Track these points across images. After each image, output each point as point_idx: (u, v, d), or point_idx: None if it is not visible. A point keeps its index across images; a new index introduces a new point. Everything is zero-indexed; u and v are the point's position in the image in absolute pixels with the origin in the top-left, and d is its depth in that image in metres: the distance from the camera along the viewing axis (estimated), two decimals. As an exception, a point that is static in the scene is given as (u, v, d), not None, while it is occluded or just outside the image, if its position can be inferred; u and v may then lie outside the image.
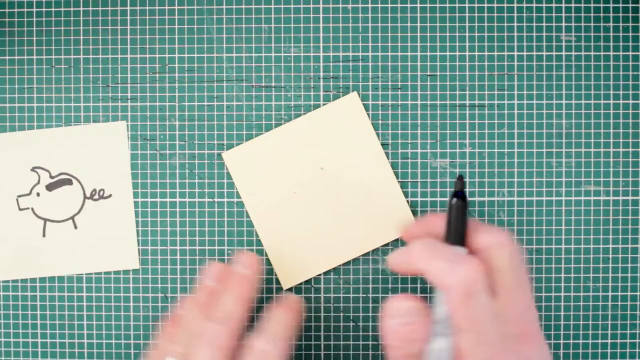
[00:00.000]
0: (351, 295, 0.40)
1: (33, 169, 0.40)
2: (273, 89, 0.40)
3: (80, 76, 0.41)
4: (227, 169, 0.40)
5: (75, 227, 0.40)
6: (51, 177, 0.41)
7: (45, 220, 0.41)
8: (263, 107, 0.40)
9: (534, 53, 0.40)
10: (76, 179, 0.41)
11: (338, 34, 0.40)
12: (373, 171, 0.40)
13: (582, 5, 0.40)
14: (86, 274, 0.41)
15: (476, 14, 0.40)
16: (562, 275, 0.40)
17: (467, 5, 0.40)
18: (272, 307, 0.37)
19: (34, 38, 0.40)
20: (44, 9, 0.40)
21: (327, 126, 0.40)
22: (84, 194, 0.40)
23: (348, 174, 0.40)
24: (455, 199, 0.34)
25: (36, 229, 0.40)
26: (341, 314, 0.41)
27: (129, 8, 0.40)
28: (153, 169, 0.41)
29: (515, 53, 0.40)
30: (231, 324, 0.36)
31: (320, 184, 0.40)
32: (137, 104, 0.40)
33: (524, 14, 0.40)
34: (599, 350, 0.40)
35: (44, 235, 0.40)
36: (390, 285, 0.41)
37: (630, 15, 0.40)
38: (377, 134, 0.40)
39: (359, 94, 0.40)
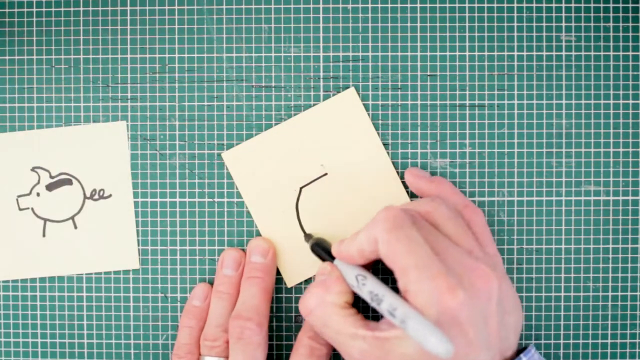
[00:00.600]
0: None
1: (33, 169, 0.40)
2: (273, 89, 0.40)
3: (80, 76, 0.41)
4: (227, 168, 0.40)
5: (75, 227, 0.40)
6: (51, 177, 0.41)
7: (45, 220, 0.41)
8: (263, 107, 0.40)
9: (534, 53, 0.40)
10: (76, 179, 0.41)
11: (338, 34, 0.40)
12: (373, 166, 0.40)
13: (582, 5, 0.40)
14: (86, 274, 0.41)
15: (476, 14, 0.40)
16: (562, 275, 0.40)
17: (467, 5, 0.40)
18: None
19: (34, 38, 0.40)
20: (44, 9, 0.40)
21: (325, 123, 0.40)
22: (84, 194, 0.40)
23: (348, 169, 0.40)
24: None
25: (36, 229, 0.40)
26: (341, 314, 0.41)
27: (129, 8, 0.40)
28: (153, 169, 0.41)
29: (515, 53, 0.40)
30: (261, 320, 0.37)
31: (321, 181, 0.40)
32: (137, 104, 0.40)
33: (524, 14, 0.40)
34: (599, 350, 0.40)
35: (44, 235, 0.40)
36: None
37: (630, 15, 0.40)
38: (377, 134, 0.40)
39: (357, 91, 0.40)
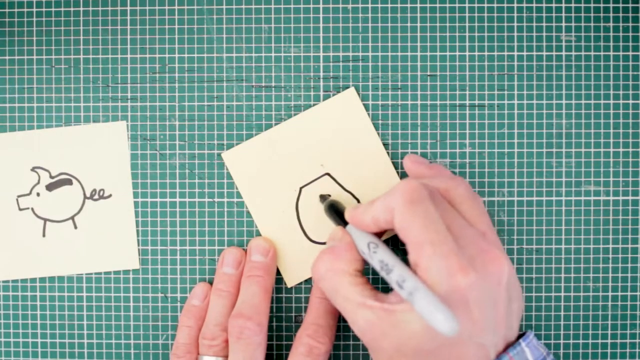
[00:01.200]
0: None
1: (33, 169, 0.40)
2: (273, 89, 0.40)
3: (80, 76, 0.41)
4: (227, 168, 0.40)
5: (75, 227, 0.40)
6: (51, 177, 0.41)
7: (45, 220, 0.41)
8: (263, 107, 0.40)
9: (534, 53, 0.40)
10: (76, 179, 0.41)
11: (338, 34, 0.40)
12: (373, 165, 0.40)
13: (582, 5, 0.40)
14: (86, 274, 0.41)
15: (476, 14, 0.40)
16: (562, 275, 0.40)
17: (467, 5, 0.40)
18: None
19: (34, 38, 0.40)
20: (44, 9, 0.40)
21: (326, 123, 0.40)
22: (84, 194, 0.40)
23: (348, 169, 0.40)
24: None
25: (36, 229, 0.40)
26: (341, 314, 0.41)
27: (129, 8, 0.40)
28: (153, 169, 0.41)
29: (515, 53, 0.40)
30: (261, 319, 0.37)
31: (321, 181, 0.40)
32: (137, 104, 0.40)
33: (524, 14, 0.40)
34: (599, 350, 0.40)
35: (44, 235, 0.40)
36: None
37: (630, 15, 0.40)
38: (377, 134, 0.40)
39: (357, 91, 0.40)
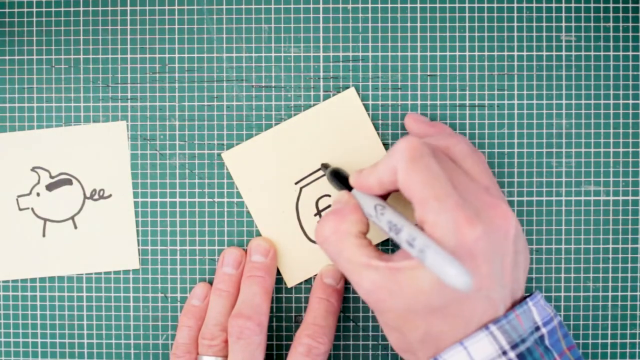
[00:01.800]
0: (351, 295, 0.40)
1: (33, 169, 0.40)
2: (273, 89, 0.40)
3: (80, 76, 0.41)
4: (227, 168, 0.40)
5: (75, 227, 0.40)
6: (51, 177, 0.41)
7: (45, 220, 0.40)
8: (263, 107, 0.40)
9: (534, 53, 0.40)
10: (76, 179, 0.41)
11: (338, 34, 0.40)
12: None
13: (582, 5, 0.40)
14: (86, 274, 0.41)
15: (476, 14, 0.40)
16: (562, 275, 0.40)
17: (467, 5, 0.40)
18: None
19: (34, 38, 0.40)
20: (44, 9, 0.40)
21: (326, 122, 0.40)
22: (84, 194, 0.40)
23: (348, 169, 0.40)
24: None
25: (36, 229, 0.40)
26: (341, 314, 0.41)
27: (129, 8, 0.40)
28: (153, 169, 0.41)
29: (515, 53, 0.40)
30: (261, 320, 0.37)
31: (321, 181, 0.40)
32: (137, 104, 0.40)
33: (524, 14, 0.40)
34: (599, 350, 0.40)
35: (44, 235, 0.40)
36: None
37: (630, 15, 0.40)
38: (377, 134, 0.40)
39: (357, 91, 0.40)
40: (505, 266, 0.32)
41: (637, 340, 0.40)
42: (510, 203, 0.40)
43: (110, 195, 0.40)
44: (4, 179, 0.40)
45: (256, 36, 0.40)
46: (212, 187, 0.40)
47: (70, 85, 0.41)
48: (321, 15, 0.40)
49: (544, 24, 0.40)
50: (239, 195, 0.40)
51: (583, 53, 0.40)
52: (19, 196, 0.40)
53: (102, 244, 0.40)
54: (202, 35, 0.40)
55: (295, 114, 0.40)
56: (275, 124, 0.40)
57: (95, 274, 0.41)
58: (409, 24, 0.40)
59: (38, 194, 0.40)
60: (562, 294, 0.40)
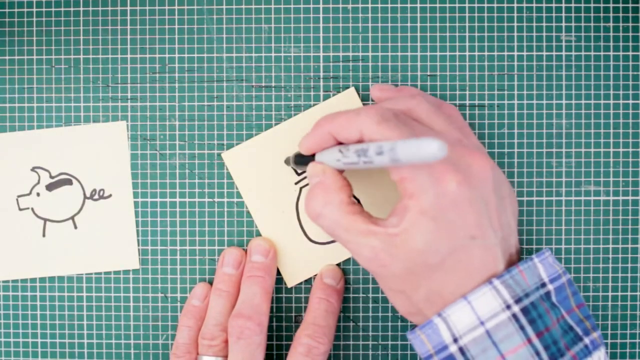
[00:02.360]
0: (351, 295, 0.40)
1: (33, 169, 0.40)
2: (273, 89, 0.40)
3: (80, 76, 0.41)
4: (227, 168, 0.40)
5: (75, 227, 0.40)
6: (51, 177, 0.41)
7: (45, 220, 0.40)
8: (263, 107, 0.40)
9: (534, 53, 0.40)
10: (76, 179, 0.41)
11: (338, 34, 0.40)
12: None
13: (582, 5, 0.40)
14: (86, 274, 0.41)
15: (476, 14, 0.40)
16: (562, 275, 0.40)
17: (467, 5, 0.40)
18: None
19: (34, 38, 0.40)
20: (44, 9, 0.40)
21: None
22: (84, 194, 0.40)
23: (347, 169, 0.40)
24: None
25: (36, 229, 0.40)
26: (341, 314, 0.41)
27: (129, 8, 0.40)
28: (153, 169, 0.41)
29: (515, 53, 0.40)
30: (261, 320, 0.37)
31: None
32: (137, 104, 0.40)
33: (524, 14, 0.40)
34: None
35: (44, 235, 0.40)
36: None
37: (630, 15, 0.40)
38: (377, 134, 0.40)
39: (357, 91, 0.40)
40: (492, 211, 0.32)
41: (637, 340, 0.40)
42: (510, 203, 0.40)
43: (110, 195, 0.40)
44: (4, 179, 0.40)
45: (256, 36, 0.40)
46: (212, 187, 0.40)
47: (70, 85, 0.41)
48: (321, 15, 0.40)
49: (544, 24, 0.40)
50: (239, 195, 0.40)
51: (583, 53, 0.40)
52: (19, 196, 0.40)
53: (102, 244, 0.40)
54: (202, 35, 0.40)
55: (295, 114, 0.40)
56: (275, 124, 0.40)
57: (95, 274, 0.41)
58: (409, 24, 0.40)
59: (38, 194, 0.40)
60: (562, 294, 0.40)
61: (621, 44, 0.40)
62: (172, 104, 0.40)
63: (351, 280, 0.40)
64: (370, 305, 0.41)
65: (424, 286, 0.32)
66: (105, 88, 0.41)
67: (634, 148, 0.40)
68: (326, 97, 0.40)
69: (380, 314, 0.40)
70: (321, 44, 0.40)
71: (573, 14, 0.40)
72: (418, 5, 0.40)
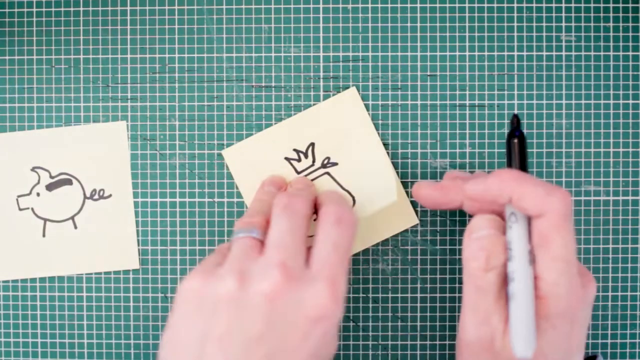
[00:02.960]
0: (351, 296, 0.40)
1: (33, 169, 0.40)
2: (273, 89, 0.40)
3: (80, 76, 0.41)
4: (227, 167, 0.40)
5: (75, 227, 0.40)
6: (51, 177, 0.41)
7: (45, 220, 0.41)
8: (263, 107, 0.40)
9: (534, 53, 0.40)
10: (76, 179, 0.41)
11: (338, 34, 0.40)
12: (373, 166, 0.40)
13: (582, 5, 0.40)
14: (86, 274, 0.41)
15: (476, 14, 0.40)
16: (562, 275, 0.40)
17: (467, 5, 0.40)
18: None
19: (34, 38, 0.40)
20: (44, 9, 0.40)
21: (326, 121, 0.40)
22: (84, 194, 0.40)
23: (348, 168, 0.40)
24: (514, 140, 0.35)
25: (36, 229, 0.40)
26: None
27: (129, 8, 0.40)
28: (153, 169, 0.41)
29: (515, 53, 0.40)
30: (309, 199, 0.36)
31: (320, 180, 0.40)
32: (137, 104, 0.40)
33: (524, 14, 0.40)
34: (599, 351, 0.40)
35: (44, 235, 0.40)
36: (390, 286, 0.41)
37: (630, 15, 0.40)
38: (377, 134, 0.40)
39: (358, 90, 0.40)
40: (584, 334, 0.33)
41: (637, 340, 0.40)
42: (510, 203, 0.40)
43: (110, 195, 0.40)
44: (4, 179, 0.40)
45: (256, 36, 0.40)
46: (212, 187, 0.40)
47: (70, 85, 0.41)
48: (321, 15, 0.40)
49: (544, 24, 0.40)
50: (239, 195, 0.40)
51: (583, 53, 0.40)
52: (19, 196, 0.40)
53: (102, 244, 0.40)
54: (202, 35, 0.40)
55: (295, 114, 0.40)
56: (276, 124, 0.40)
57: (95, 274, 0.41)
58: (409, 24, 0.40)
59: (38, 194, 0.40)
60: (562, 294, 0.40)
61: (621, 44, 0.40)
62: (172, 104, 0.40)
63: (351, 280, 0.40)
64: (370, 305, 0.41)
65: None
66: (105, 88, 0.41)
67: (634, 148, 0.40)
68: (326, 97, 0.40)
69: (380, 314, 0.40)
70: (321, 44, 0.40)
71: (573, 14, 0.40)
72: (418, 5, 0.40)
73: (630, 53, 0.40)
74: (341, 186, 0.40)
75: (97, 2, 0.40)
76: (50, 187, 0.40)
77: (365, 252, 0.40)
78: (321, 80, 0.40)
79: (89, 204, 0.40)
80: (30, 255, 0.40)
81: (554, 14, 0.40)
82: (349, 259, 0.34)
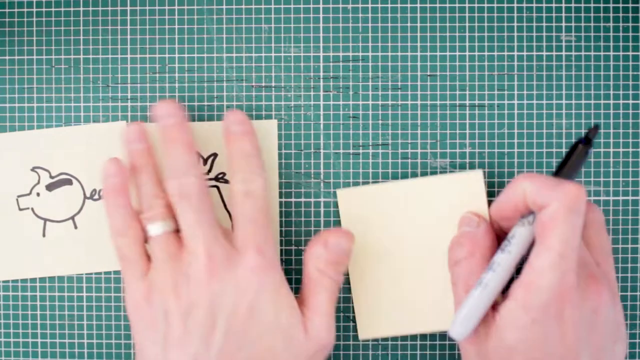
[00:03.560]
0: (351, 296, 0.40)
1: (33, 169, 0.40)
2: (273, 89, 0.40)
3: (80, 76, 0.41)
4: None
5: (75, 227, 0.40)
6: (51, 177, 0.41)
7: (45, 220, 0.41)
8: (263, 107, 0.40)
9: (534, 53, 0.40)
10: (76, 179, 0.41)
11: (338, 34, 0.40)
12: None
13: (582, 5, 0.40)
14: (86, 274, 0.41)
15: (476, 14, 0.40)
16: (562, 275, 0.40)
17: (467, 5, 0.40)
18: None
19: (34, 38, 0.40)
20: (44, 9, 0.40)
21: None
22: (84, 194, 0.40)
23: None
24: (580, 145, 0.35)
25: (36, 229, 0.40)
26: (341, 314, 0.41)
27: (129, 8, 0.40)
28: (153, 169, 0.40)
29: (515, 53, 0.40)
30: (197, 173, 0.35)
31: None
32: (137, 104, 0.40)
33: (524, 14, 0.40)
34: (599, 350, 0.40)
35: (44, 235, 0.40)
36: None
37: (630, 15, 0.40)
38: (377, 134, 0.40)
39: (358, 91, 0.40)
40: (595, 341, 0.32)
41: (637, 340, 0.40)
42: (510, 203, 0.40)
43: (110, 195, 0.40)
44: (4, 179, 0.40)
45: (256, 36, 0.40)
46: (212, 187, 0.40)
47: (70, 85, 0.41)
48: (321, 15, 0.40)
49: (544, 24, 0.40)
50: (239, 195, 0.40)
51: (583, 53, 0.40)
52: (19, 196, 0.40)
53: (102, 244, 0.40)
54: (202, 35, 0.40)
55: (295, 114, 0.40)
56: (277, 124, 0.40)
57: (95, 274, 0.41)
58: (409, 24, 0.40)
59: (38, 194, 0.40)
60: (562, 294, 0.40)
61: (621, 44, 0.40)
62: (172, 104, 0.40)
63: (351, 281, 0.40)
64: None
65: None
66: (105, 88, 0.41)
67: (634, 148, 0.40)
68: (326, 97, 0.40)
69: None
70: (321, 44, 0.40)
71: (573, 14, 0.40)
72: (418, 5, 0.40)
73: (630, 53, 0.40)
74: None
75: (97, 2, 0.40)
76: (50, 187, 0.40)
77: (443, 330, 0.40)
78: (321, 80, 0.40)
79: (89, 204, 0.40)
80: (30, 255, 0.40)
81: (554, 14, 0.40)
82: (269, 221, 0.36)
